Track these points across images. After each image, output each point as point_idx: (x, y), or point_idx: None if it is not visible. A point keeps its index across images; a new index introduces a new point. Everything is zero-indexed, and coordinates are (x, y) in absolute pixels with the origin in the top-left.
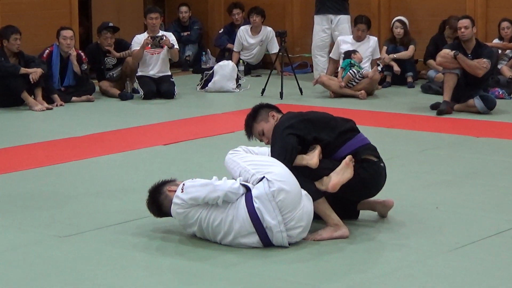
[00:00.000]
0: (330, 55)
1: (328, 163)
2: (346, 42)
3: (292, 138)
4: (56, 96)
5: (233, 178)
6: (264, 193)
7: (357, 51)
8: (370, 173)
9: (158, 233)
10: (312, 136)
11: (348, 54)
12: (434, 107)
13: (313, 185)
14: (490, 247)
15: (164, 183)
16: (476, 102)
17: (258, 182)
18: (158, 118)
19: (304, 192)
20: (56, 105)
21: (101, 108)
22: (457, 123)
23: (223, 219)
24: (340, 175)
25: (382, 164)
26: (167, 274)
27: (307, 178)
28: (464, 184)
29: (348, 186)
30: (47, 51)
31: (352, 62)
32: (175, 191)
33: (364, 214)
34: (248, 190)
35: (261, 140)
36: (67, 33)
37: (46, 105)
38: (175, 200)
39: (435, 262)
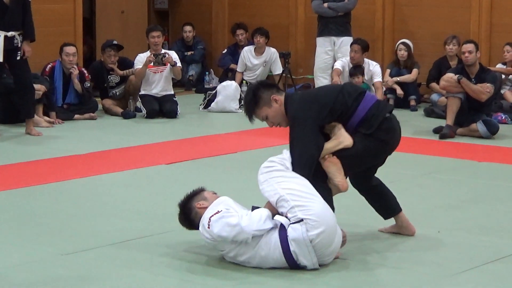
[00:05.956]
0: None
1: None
2: (342, 65)
3: (313, 139)
4: (53, 114)
5: (266, 198)
6: (302, 238)
7: (359, 74)
8: (386, 130)
9: (160, 252)
10: (328, 109)
11: (351, 74)
12: (437, 131)
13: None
14: (493, 272)
15: (192, 196)
16: (479, 126)
17: (295, 222)
18: (161, 137)
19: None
20: (54, 123)
21: (104, 126)
22: (459, 148)
23: (253, 254)
24: (341, 173)
25: (393, 117)
26: None
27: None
28: (466, 209)
29: (369, 154)
30: (49, 66)
31: None
32: (206, 207)
33: (365, 237)
34: (282, 226)
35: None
36: (70, 49)
37: (48, 119)
38: (203, 232)
39: (437, 287)
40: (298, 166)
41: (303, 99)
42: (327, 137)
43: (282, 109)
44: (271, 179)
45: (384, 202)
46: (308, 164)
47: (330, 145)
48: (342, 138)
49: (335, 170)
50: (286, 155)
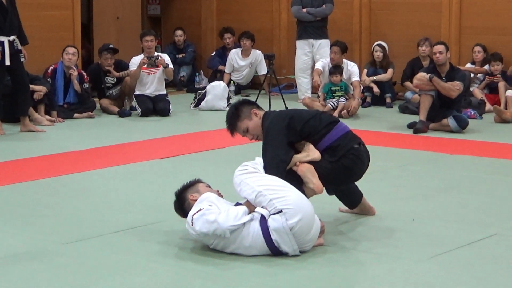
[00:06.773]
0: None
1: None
2: (322, 66)
3: (283, 147)
4: (54, 113)
5: (245, 198)
6: (282, 227)
7: (337, 74)
8: (352, 159)
9: (154, 240)
10: (300, 126)
11: (330, 73)
12: (411, 126)
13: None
14: (463, 256)
15: (188, 187)
16: (450, 121)
17: (275, 213)
18: (154, 134)
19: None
20: (55, 121)
21: (102, 124)
22: (432, 141)
23: (238, 246)
24: (315, 177)
25: (362, 148)
26: (168, 278)
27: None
28: (438, 198)
29: (335, 176)
30: (52, 67)
31: (332, 88)
32: (196, 200)
33: (344, 225)
34: (262, 217)
35: (244, 135)
36: (70, 49)
37: (49, 117)
38: (188, 229)
39: (413, 270)
40: (270, 169)
41: (278, 114)
42: (297, 153)
43: (260, 122)
44: (247, 179)
45: (349, 197)
46: (279, 168)
47: (299, 156)
48: (310, 152)
49: (309, 174)
50: (258, 160)
